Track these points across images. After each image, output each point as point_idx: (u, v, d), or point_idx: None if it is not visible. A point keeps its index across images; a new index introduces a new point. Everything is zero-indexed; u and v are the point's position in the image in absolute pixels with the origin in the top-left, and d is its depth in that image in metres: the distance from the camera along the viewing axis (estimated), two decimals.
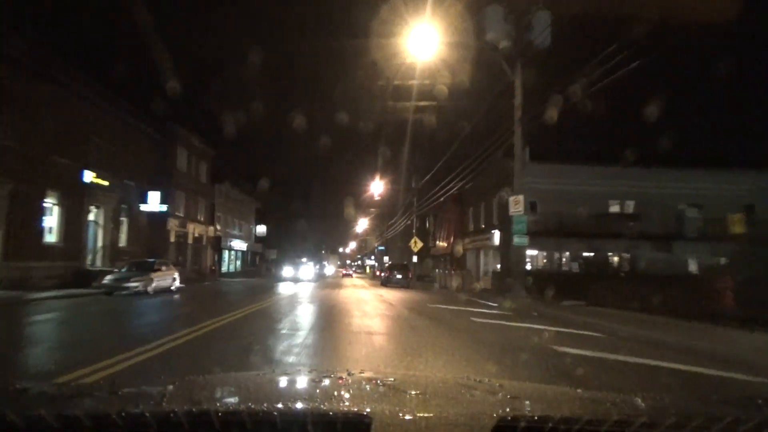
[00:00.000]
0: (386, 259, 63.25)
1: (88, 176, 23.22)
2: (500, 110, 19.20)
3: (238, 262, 52.98)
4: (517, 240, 16.16)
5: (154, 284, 19.94)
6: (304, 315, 13.00)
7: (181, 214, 35.61)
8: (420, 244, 37.14)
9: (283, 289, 26.09)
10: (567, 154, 29.81)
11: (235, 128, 28.10)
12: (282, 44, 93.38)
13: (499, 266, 31.01)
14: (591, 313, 14.44)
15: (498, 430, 1.32)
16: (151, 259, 22.13)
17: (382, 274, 39.00)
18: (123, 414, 1.30)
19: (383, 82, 18.42)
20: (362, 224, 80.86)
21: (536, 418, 1.41)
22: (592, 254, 28.98)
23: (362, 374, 2.43)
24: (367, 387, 2.12)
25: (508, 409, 1.64)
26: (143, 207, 28.93)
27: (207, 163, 41.13)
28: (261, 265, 59.88)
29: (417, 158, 40.36)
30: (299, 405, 1.66)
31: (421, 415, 1.52)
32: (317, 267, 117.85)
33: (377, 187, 40.52)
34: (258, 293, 21.98)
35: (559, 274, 27.25)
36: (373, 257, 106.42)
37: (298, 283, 32.49)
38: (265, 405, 1.55)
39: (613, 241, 28.04)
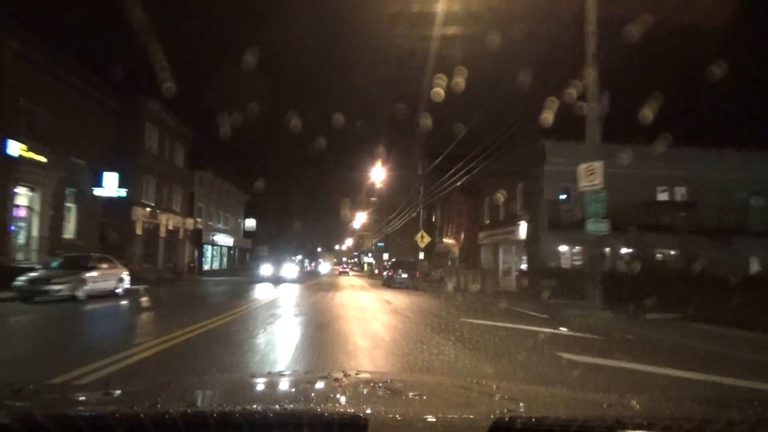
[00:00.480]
0: (385, 256, 58.29)
1: (14, 148, 18.19)
2: (524, 81, 14.59)
3: (224, 259, 47.95)
4: (592, 226, 11.26)
5: (87, 287, 14.98)
6: (276, 345, 8.06)
7: (151, 203, 30.56)
8: (427, 239, 32.20)
9: (262, 292, 20.98)
10: (608, 130, 24.89)
11: (226, 115, 23.37)
12: (279, 27, 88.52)
13: (525, 265, 26.11)
14: (711, 335, 9.61)
15: (495, 430, 1.32)
16: (91, 254, 17.15)
17: (385, 273, 34.06)
18: (117, 415, 1.30)
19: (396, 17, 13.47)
20: (360, 219, 75.80)
21: (532, 419, 1.40)
22: (631, 250, 24.38)
23: (359, 376, 2.39)
24: (364, 388, 2.13)
25: (504, 410, 1.56)
26: (97, 191, 23.89)
27: (184, 147, 36.07)
28: (251, 263, 54.96)
29: (425, 141, 35.37)
30: (295, 406, 1.61)
31: (418, 416, 1.51)
32: (312, 264, 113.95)
33: (379, 175, 35.58)
34: (227, 300, 16.98)
35: (612, 275, 22.44)
36: (370, 254, 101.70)
37: (280, 285, 26.40)
38: (260, 406, 1.53)
39: (662, 234, 23.22)
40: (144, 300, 16.56)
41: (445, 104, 24.14)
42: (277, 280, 29.45)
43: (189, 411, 1.37)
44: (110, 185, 24.11)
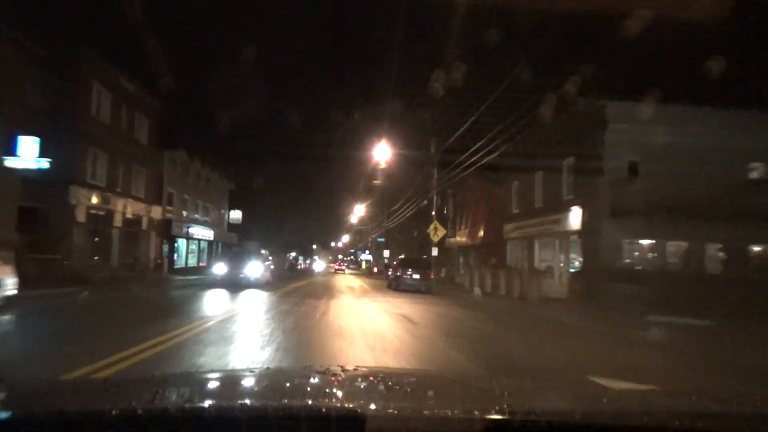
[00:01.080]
0: (386, 253, 52.41)
1: None
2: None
3: (203, 255, 41.88)
4: None
5: None
6: None
7: (101, 184, 24.47)
8: (442, 231, 26.25)
9: (214, 304, 14.16)
10: (685, 89, 19.17)
11: (210, 93, 17.30)
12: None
13: (579, 262, 20.22)
14: None
15: (492, 425, 1.31)
16: None
17: (390, 273, 28.09)
18: (114, 411, 1.29)
19: None
20: (358, 214, 69.80)
21: (531, 413, 1.38)
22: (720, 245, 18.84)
23: (356, 371, 2.33)
24: (362, 383, 2.11)
25: (504, 406, 1.51)
26: (9, 161, 17.80)
27: (149, 120, 29.95)
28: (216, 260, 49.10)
29: (439, 117, 29.29)
30: (293, 401, 1.60)
31: (416, 411, 1.51)
32: (307, 262, 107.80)
33: (383, 153, 29.50)
34: (149, 321, 10.60)
35: (703, 277, 16.60)
36: (367, 251, 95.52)
37: (241, 293, 17.21)
38: (258, 401, 1.53)
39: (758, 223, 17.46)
40: (40, 314, 10.55)
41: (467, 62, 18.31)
42: (236, 284, 19.93)
43: (187, 406, 1.37)
44: (28, 153, 18.03)
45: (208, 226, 41.55)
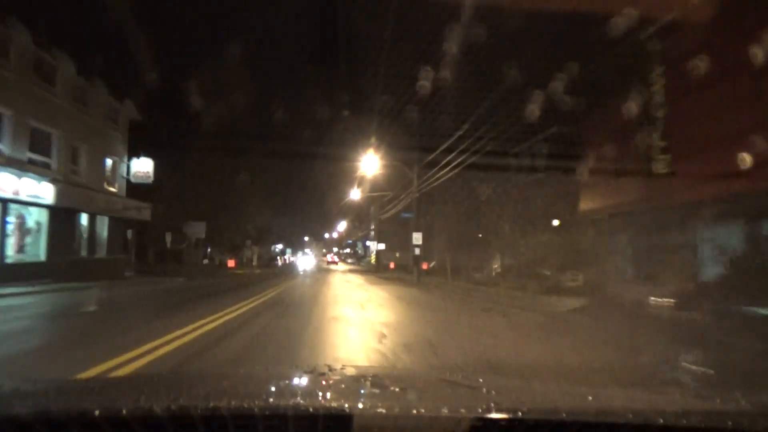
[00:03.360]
0: (417, 237, 30.17)
1: None
2: None
3: (42, 238, 19.78)
4: None
5: None
6: None
7: None
8: None
9: None
10: None
11: None
12: None
13: None
14: None
15: (479, 424, 1.32)
16: None
17: None
18: (98, 411, 1.28)
19: None
20: (359, 194, 47.76)
21: (518, 411, 1.38)
22: None
23: (344, 369, 2.32)
24: (349, 382, 2.09)
25: (491, 404, 1.48)
26: None
27: None
28: (131, 251, 27.09)
29: None
30: (280, 401, 1.55)
31: (403, 410, 1.49)
32: (290, 257, 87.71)
33: None
34: None
35: None
36: (367, 242, 73.47)
37: None
38: (245, 401, 1.45)
39: None
40: None
41: None
42: None
43: (173, 406, 1.31)
44: None
45: (56, 181, 19.45)
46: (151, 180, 25.80)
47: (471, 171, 25.54)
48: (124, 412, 1.27)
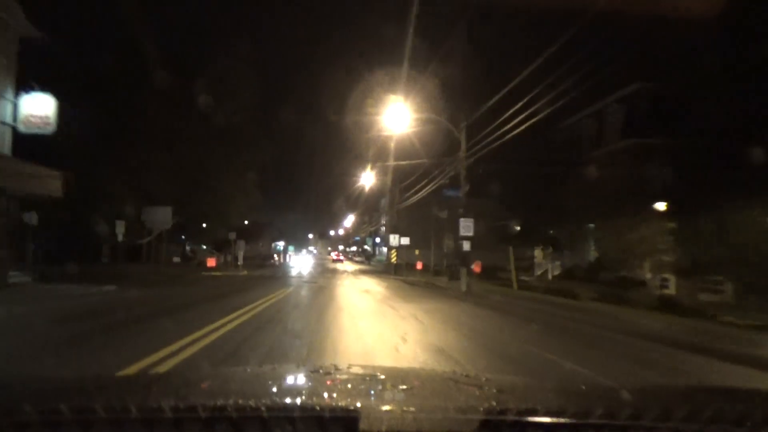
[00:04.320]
0: (464, 225, 20.23)
1: None
2: None
3: None
4: None
5: None
6: None
7: None
8: None
9: None
10: None
11: None
12: None
13: None
14: None
15: (486, 423, 1.31)
16: None
17: None
18: (108, 409, 1.28)
19: None
20: (370, 181, 37.99)
21: (524, 411, 1.38)
22: None
23: (350, 369, 2.31)
24: (355, 382, 2.07)
25: (495, 403, 1.51)
26: None
27: None
28: (28, 244, 17.26)
29: None
30: (286, 400, 1.58)
31: (409, 409, 1.51)
32: (288, 255, 79.31)
33: None
34: None
35: None
36: (378, 238, 63.64)
37: None
38: (251, 400, 1.43)
39: None
40: None
41: None
42: None
43: (180, 405, 1.33)
44: None
45: None
46: (51, 128, 16.02)
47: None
48: (132, 409, 1.26)
